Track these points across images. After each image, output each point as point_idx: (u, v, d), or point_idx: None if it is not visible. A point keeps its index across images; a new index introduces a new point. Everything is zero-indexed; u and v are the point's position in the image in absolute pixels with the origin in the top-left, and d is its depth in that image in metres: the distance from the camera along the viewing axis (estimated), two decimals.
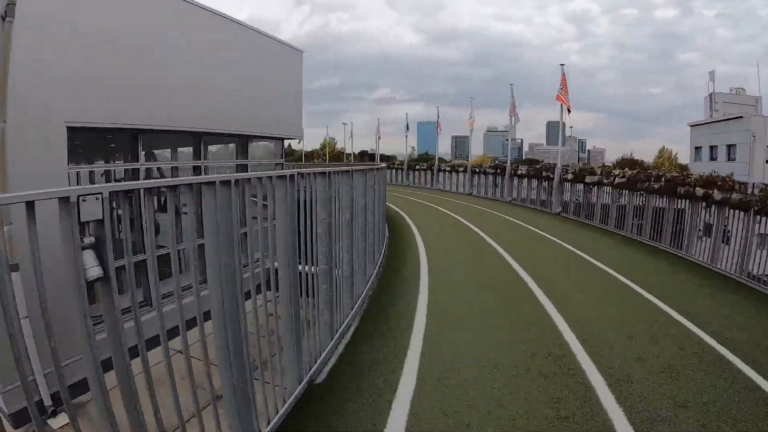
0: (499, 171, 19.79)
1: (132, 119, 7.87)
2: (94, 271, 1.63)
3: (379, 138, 34.26)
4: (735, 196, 7.35)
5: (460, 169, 23.53)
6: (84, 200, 1.60)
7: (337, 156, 49.65)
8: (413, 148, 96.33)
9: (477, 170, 22.00)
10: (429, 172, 27.08)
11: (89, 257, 1.64)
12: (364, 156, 48.23)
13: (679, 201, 9.17)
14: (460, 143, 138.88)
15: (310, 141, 60.48)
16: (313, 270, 3.64)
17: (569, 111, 14.97)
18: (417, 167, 28.62)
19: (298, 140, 14.65)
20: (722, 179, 8.02)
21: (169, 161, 11.08)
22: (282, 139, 12.76)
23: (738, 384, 3.53)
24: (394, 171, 30.89)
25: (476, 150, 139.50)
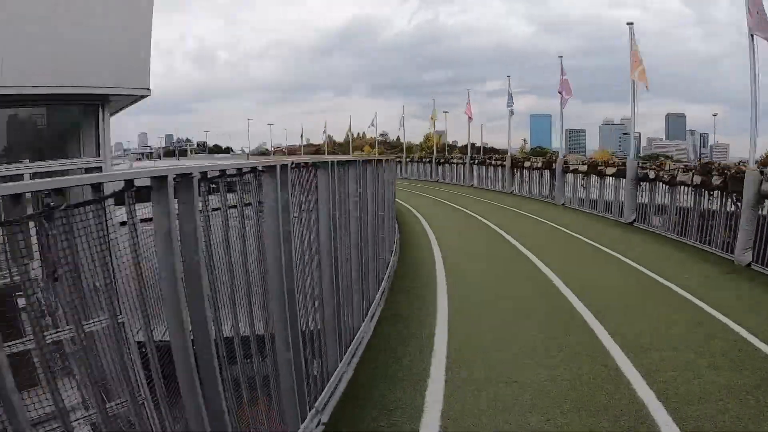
0: (710, 181, 10.14)
1: None
2: None
3: (470, 119, 26.41)
4: None
5: (608, 171, 14.43)
6: None
7: (441, 148, 41.43)
8: (525, 140, 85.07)
9: (646, 172, 12.66)
10: (547, 172, 18.20)
11: None
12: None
13: None
14: (574, 136, 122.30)
15: (417, 135, 55.60)
16: None
17: None
18: (528, 165, 19.83)
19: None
20: None
21: None
22: (97, 104, 5.41)
23: None
24: (492, 169, 22.38)
25: (591, 144, 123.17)
